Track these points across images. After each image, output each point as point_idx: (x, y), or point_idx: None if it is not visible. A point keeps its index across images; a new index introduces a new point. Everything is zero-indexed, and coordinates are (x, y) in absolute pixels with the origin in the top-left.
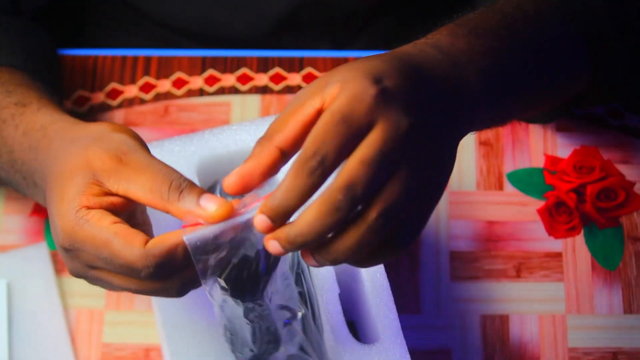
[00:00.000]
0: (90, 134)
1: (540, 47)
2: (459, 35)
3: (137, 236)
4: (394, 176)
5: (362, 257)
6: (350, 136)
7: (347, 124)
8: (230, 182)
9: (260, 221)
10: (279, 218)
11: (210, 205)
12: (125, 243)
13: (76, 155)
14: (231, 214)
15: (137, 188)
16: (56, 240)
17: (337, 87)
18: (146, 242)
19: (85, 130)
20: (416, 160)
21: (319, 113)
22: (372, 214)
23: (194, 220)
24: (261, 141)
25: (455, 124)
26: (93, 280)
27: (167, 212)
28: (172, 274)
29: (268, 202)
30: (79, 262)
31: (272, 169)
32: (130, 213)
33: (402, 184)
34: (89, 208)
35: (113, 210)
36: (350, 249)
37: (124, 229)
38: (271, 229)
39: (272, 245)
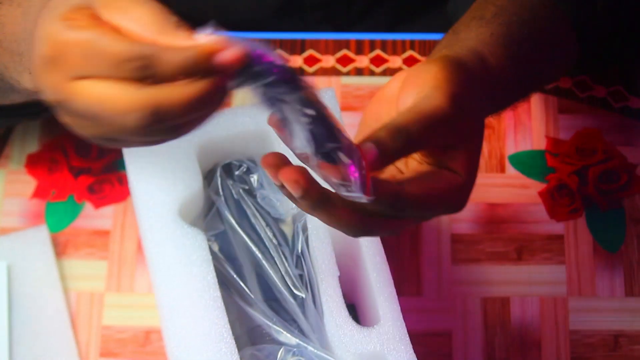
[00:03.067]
0: None
1: (535, 36)
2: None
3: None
4: None
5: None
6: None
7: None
8: None
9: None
10: None
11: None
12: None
13: None
14: None
15: (132, 20)
16: (38, 56)
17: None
18: None
19: None
20: None
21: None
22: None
23: None
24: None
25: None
26: (68, 103)
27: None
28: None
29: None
30: (62, 72)
31: None
32: None
33: None
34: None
35: None
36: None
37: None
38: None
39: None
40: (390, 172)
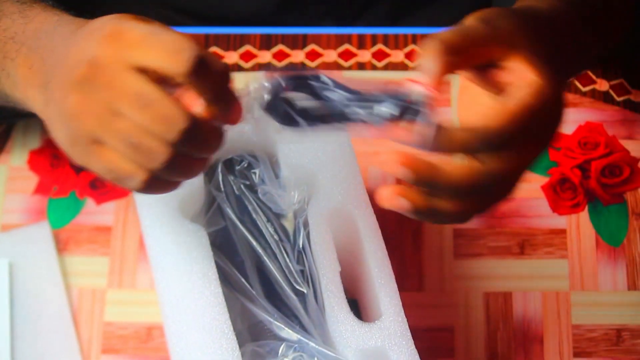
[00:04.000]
0: None
1: None
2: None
3: None
4: None
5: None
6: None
7: (530, 132)
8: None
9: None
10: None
11: None
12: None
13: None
14: None
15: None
16: (83, 55)
17: (527, 73)
18: None
19: None
20: None
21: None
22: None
23: None
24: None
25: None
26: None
27: None
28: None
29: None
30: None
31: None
32: None
33: None
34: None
35: None
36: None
37: None
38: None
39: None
40: None
